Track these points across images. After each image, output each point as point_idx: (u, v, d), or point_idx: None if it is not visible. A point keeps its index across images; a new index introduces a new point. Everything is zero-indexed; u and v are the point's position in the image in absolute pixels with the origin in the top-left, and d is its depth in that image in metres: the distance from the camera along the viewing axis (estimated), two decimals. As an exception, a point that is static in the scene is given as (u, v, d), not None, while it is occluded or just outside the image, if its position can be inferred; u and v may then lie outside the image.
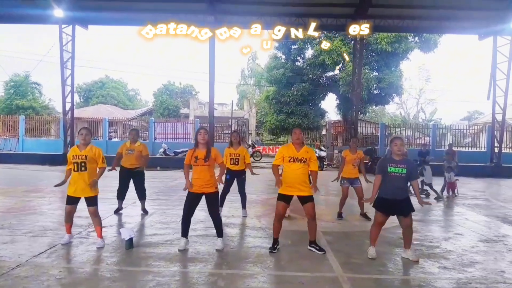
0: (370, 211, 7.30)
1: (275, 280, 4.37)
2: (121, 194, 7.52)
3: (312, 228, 5.30)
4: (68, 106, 19.08)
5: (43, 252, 4.99)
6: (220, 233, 5.43)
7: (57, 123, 24.00)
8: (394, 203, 4.95)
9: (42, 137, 24.20)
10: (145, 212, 7.56)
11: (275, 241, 5.34)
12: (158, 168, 17.19)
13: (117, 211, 7.49)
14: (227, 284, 4.25)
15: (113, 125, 30.03)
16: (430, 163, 11.26)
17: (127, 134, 28.26)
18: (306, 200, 5.20)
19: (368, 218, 7.31)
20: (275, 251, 5.24)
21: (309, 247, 5.33)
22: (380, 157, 16.46)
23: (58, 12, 16.95)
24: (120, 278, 4.27)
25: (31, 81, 39.84)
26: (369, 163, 16.20)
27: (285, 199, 5.24)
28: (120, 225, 6.54)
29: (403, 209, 4.97)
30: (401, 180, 4.92)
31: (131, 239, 5.25)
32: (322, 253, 5.18)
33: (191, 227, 6.52)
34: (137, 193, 7.57)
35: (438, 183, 13.14)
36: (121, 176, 7.47)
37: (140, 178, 7.52)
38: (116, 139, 26.43)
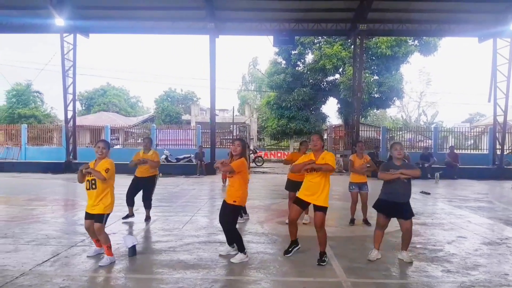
0: (373, 215, 7.30)
1: (279, 286, 4.37)
2: (128, 199, 7.51)
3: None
4: (70, 114, 19.15)
5: (46, 260, 5.00)
6: (237, 246, 5.23)
7: (59, 131, 24.05)
8: (395, 206, 5.06)
9: (44, 145, 24.25)
10: (148, 219, 7.56)
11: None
12: (160, 174, 17.16)
13: (127, 218, 7.46)
14: (231, 290, 4.26)
15: (115, 132, 30.09)
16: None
17: (130, 141, 28.50)
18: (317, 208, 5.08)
19: (368, 224, 7.29)
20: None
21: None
22: (382, 161, 16.47)
23: (59, 21, 17.07)
24: (124, 285, 4.28)
25: (32, 90, 40.01)
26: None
27: (301, 204, 5.20)
28: (123, 232, 6.54)
29: (403, 213, 5.08)
30: (402, 184, 5.01)
31: (134, 247, 5.26)
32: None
33: (193, 233, 6.57)
34: (143, 201, 7.60)
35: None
36: (132, 182, 7.60)
37: (150, 187, 7.62)
38: (118, 146, 26.45)
